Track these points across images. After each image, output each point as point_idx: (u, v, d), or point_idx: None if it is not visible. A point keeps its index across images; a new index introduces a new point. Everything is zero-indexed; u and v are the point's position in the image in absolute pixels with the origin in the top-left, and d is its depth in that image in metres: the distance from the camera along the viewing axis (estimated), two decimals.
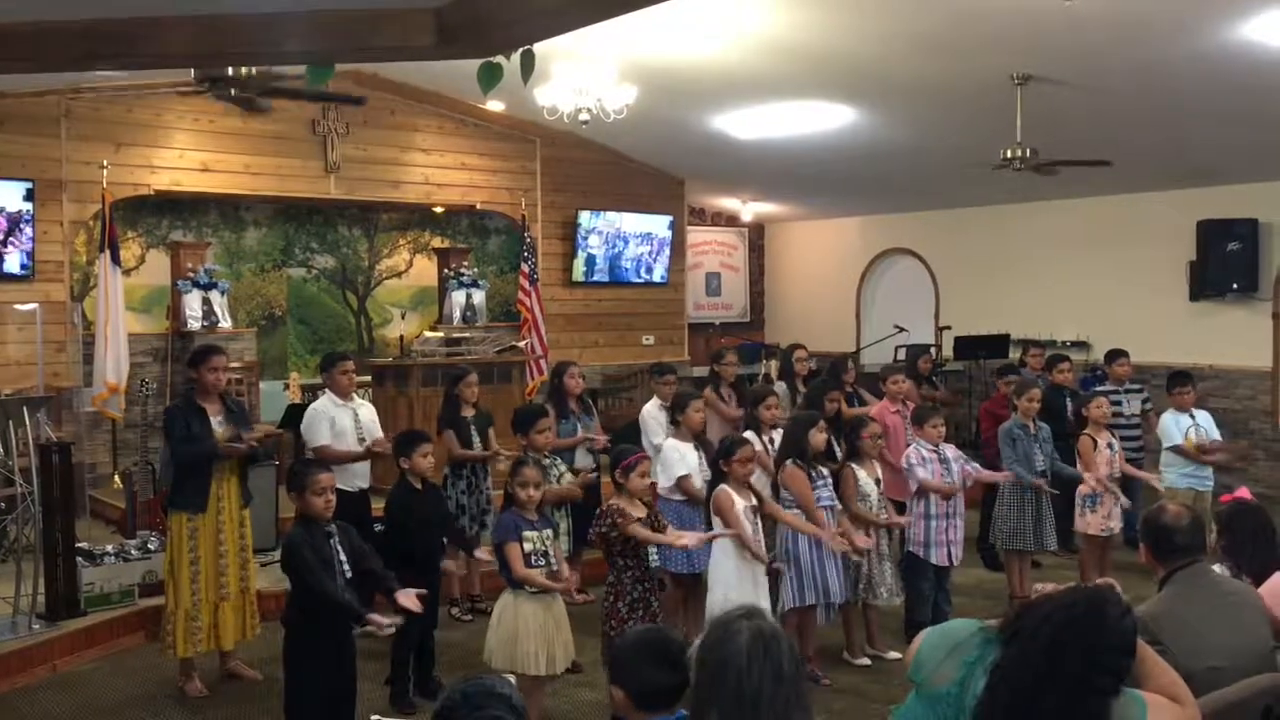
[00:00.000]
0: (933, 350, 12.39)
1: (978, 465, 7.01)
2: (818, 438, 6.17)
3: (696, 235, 14.95)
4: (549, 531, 5.45)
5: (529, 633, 5.16)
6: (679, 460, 6.47)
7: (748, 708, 2.33)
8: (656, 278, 13.55)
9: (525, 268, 11.77)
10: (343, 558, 4.74)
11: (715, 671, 2.37)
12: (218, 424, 6.19)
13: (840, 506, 6.28)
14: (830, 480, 6.25)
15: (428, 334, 10.80)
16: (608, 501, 5.53)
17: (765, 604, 5.73)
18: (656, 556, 5.43)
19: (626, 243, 13.24)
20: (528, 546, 5.23)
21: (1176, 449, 7.72)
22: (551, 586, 5.19)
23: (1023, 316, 12.57)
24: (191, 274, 10.47)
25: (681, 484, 6.33)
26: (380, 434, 7.08)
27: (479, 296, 11.97)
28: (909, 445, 7.05)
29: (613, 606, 5.37)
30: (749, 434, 6.65)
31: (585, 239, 12.81)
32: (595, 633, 5.92)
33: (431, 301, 12.60)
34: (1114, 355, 9.30)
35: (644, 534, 5.32)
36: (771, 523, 6.11)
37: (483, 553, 5.98)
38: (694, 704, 2.41)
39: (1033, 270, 12.69)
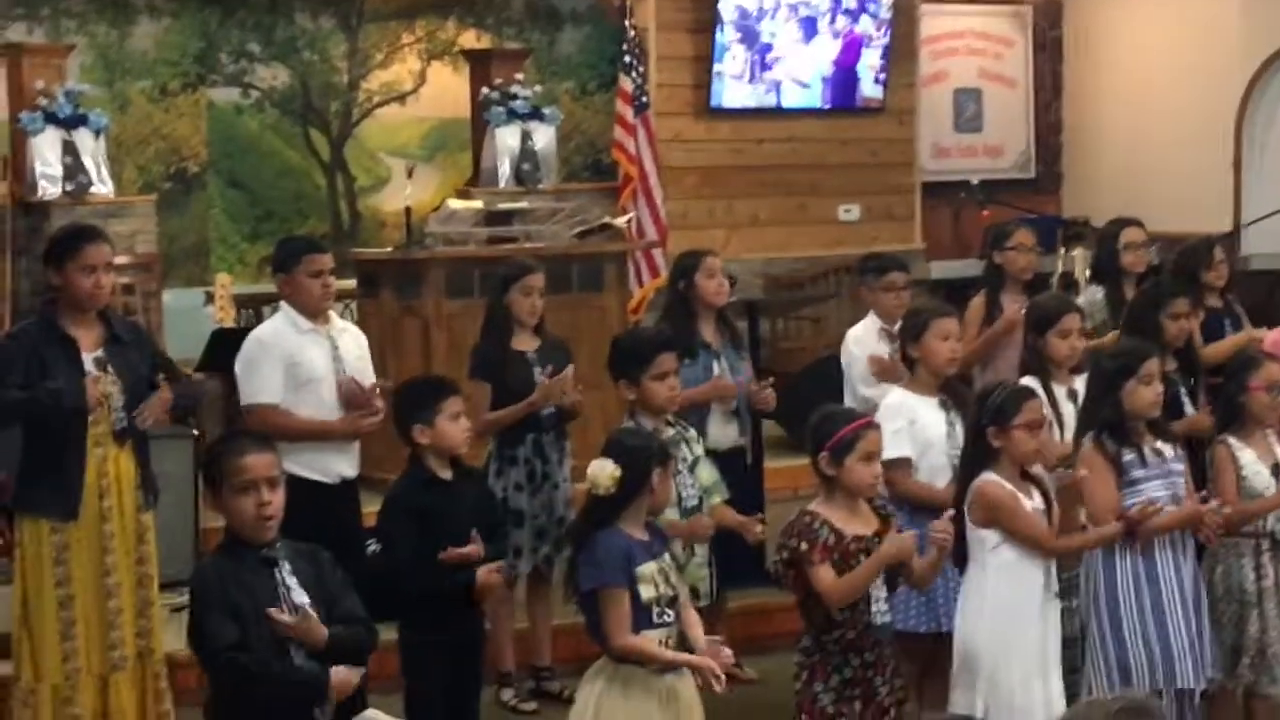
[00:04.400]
0: None
1: None
2: (1142, 394, 6.11)
3: (939, 21, 14.70)
4: (668, 558, 5.48)
5: None
6: (903, 430, 6.49)
7: None
8: (863, 99, 13.39)
9: (628, 84, 11.71)
10: (298, 603, 4.77)
11: None
12: (93, 363, 6.31)
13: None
14: (1175, 465, 6.21)
15: (454, 204, 10.83)
16: (804, 509, 5.52)
17: (1058, 685, 5.74)
18: (885, 606, 5.43)
19: (810, 35, 13.08)
20: (647, 592, 5.30)
21: None
22: (688, 662, 5.23)
23: None
24: (43, 101, 10.62)
25: (889, 475, 6.20)
26: (372, 377, 7.17)
27: (544, 137, 11.96)
28: None
29: (807, 690, 5.40)
30: (1031, 382, 6.60)
31: (734, 32, 12.73)
32: None
33: (460, 147, 12.66)
34: None
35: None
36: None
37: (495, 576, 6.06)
38: None
39: None
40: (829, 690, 5.36)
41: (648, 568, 5.31)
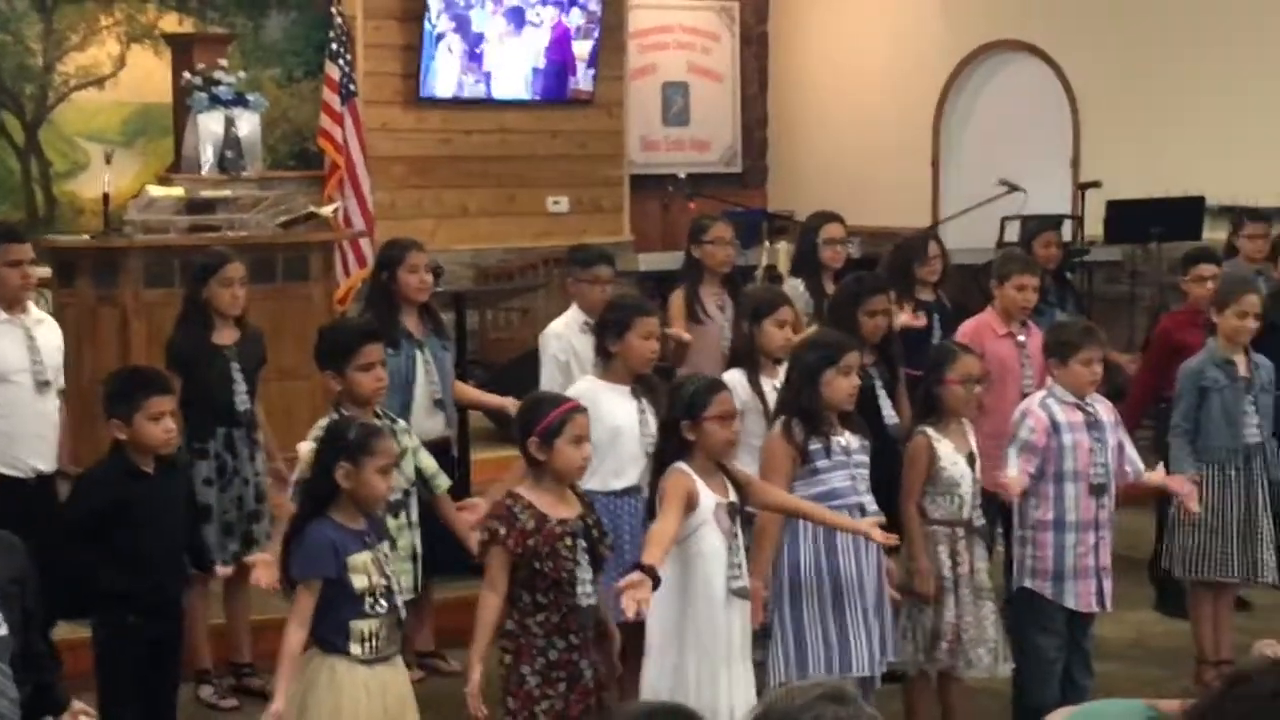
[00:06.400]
0: (1067, 225, 12.37)
1: (1134, 457, 7.06)
2: (840, 385, 6.21)
3: (647, 14, 14.84)
4: (385, 546, 5.50)
5: None
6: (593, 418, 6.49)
7: None
8: (573, 91, 13.48)
9: (334, 72, 11.67)
10: None
11: None
12: None
13: (875, 508, 6.37)
14: (860, 457, 6.33)
15: (155, 191, 10.67)
16: (508, 490, 5.58)
17: (746, 679, 5.87)
18: (590, 589, 5.49)
19: (519, 28, 13.12)
20: (359, 581, 5.30)
21: None
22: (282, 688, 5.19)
23: (1228, 167, 12.64)
24: None
25: None
26: (60, 371, 7.04)
27: (248, 124, 11.81)
28: (1030, 394, 7.12)
29: (514, 673, 5.45)
30: (735, 376, 6.70)
31: (448, 21, 12.75)
32: None
33: (162, 133, 12.44)
34: None
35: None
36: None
37: (224, 570, 6.32)
38: None
39: (1244, 87, 12.73)
40: (535, 673, 5.42)
41: (359, 557, 5.31)
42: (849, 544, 6.24)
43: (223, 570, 6.65)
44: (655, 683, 5.78)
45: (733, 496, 5.84)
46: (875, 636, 6.29)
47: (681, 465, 5.78)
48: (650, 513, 5.92)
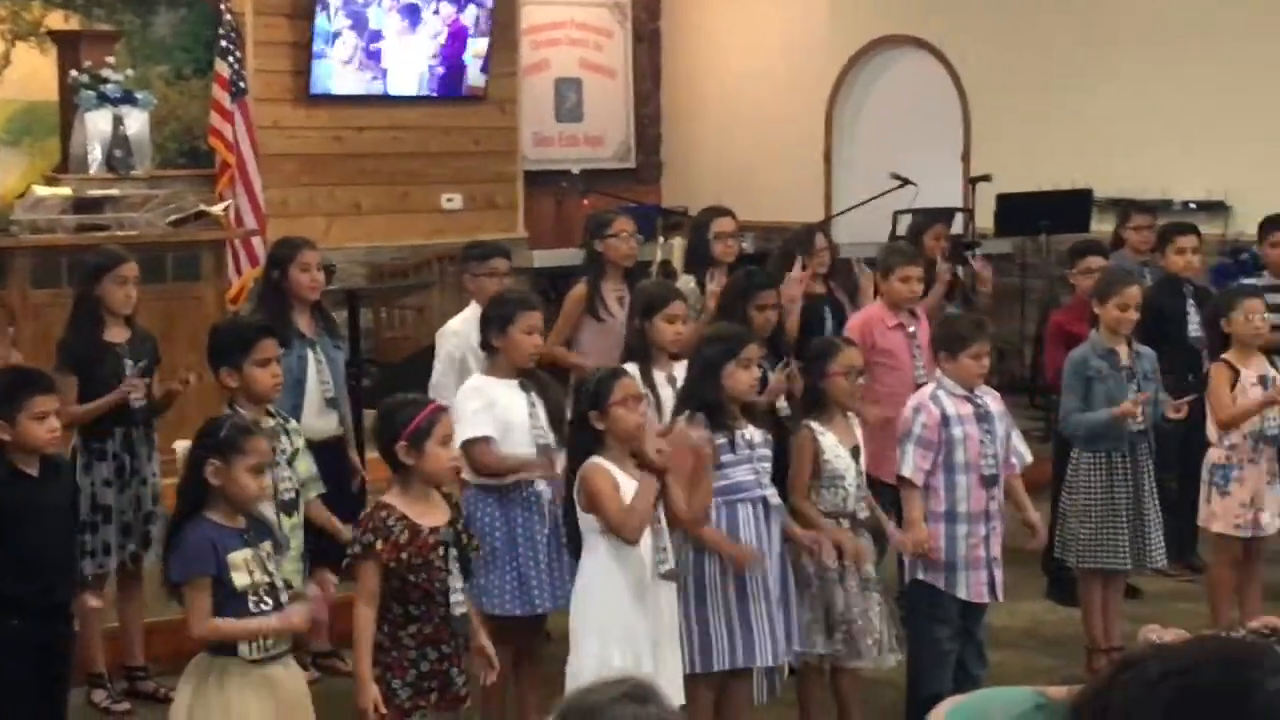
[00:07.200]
0: (958, 218, 12.47)
1: (1020, 448, 7.15)
2: (741, 377, 6.28)
3: (540, 10, 14.87)
4: (268, 545, 5.46)
5: None
6: (479, 411, 6.52)
7: None
8: (467, 88, 13.49)
9: (224, 69, 11.56)
10: None
11: None
12: None
13: (779, 501, 6.45)
14: (763, 451, 6.39)
15: (41, 191, 10.57)
16: (378, 502, 5.56)
17: (674, 665, 5.94)
18: (461, 598, 5.49)
19: (414, 24, 13.12)
20: (240, 579, 5.26)
21: None
22: (271, 627, 5.21)
23: (1115, 160, 12.79)
24: None
25: (471, 453, 6.39)
26: None
27: (137, 122, 11.71)
28: (922, 385, 7.17)
29: (382, 687, 5.42)
30: (630, 367, 6.70)
31: (344, 19, 12.75)
32: None
33: (49, 131, 12.30)
34: (1273, 225, 9.54)
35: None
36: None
37: (95, 600, 6.26)
38: None
39: (1132, 81, 12.89)
40: (406, 685, 5.44)
41: (239, 555, 5.27)
42: (752, 536, 6.30)
43: (94, 601, 6.48)
44: (579, 673, 5.78)
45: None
46: (780, 628, 6.35)
47: (596, 460, 5.80)
48: (569, 508, 5.95)
